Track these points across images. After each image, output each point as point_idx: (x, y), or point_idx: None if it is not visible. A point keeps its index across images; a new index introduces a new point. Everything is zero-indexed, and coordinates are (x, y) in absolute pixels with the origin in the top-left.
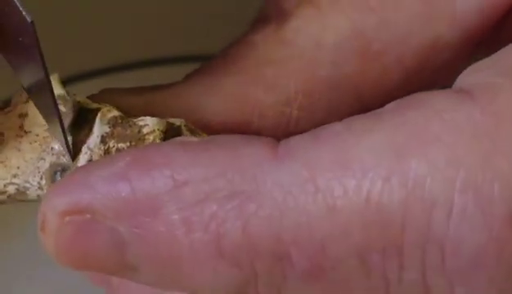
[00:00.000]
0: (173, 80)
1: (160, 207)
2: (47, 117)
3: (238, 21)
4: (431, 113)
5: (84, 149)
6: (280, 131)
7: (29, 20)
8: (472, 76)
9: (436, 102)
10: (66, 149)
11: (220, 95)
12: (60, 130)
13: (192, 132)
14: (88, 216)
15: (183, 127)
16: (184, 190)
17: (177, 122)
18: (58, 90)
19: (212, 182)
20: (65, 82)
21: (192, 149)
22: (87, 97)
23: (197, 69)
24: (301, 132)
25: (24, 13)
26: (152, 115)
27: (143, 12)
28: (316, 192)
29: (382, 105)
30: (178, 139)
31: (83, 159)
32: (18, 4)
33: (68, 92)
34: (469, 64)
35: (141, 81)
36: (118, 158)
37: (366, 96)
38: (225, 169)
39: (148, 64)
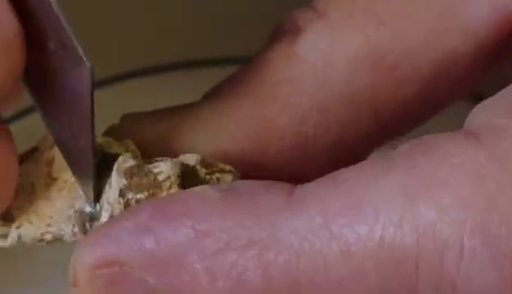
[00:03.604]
0: (209, 82)
1: (183, 257)
2: (75, 168)
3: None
4: (440, 158)
5: (105, 204)
6: (298, 151)
7: (88, 65)
8: (479, 116)
9: (445, 146)
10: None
11: (237, 119)
12: (90, 186)
13: (209, 167)
14: (117, 268)
15: (198, 166)
16: (205, 240)
17: (192, 160)
18: None
19: (231, 231)
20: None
21: (211, 199)
22: (109, 129)
23: (212, 90)
24: (320, 151)
25: (84, 59)
26: (173, 146)
27: (177, 14)
28: (330, 238)
29: (396, 119)
30: (196, 189)
31: (105, 214)
32: (78, 49)
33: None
34: (484, 76)
35: (176, 83)
36: (140, 211)
37: (380, 110)
38: (243, 218)
39: (183, 66)
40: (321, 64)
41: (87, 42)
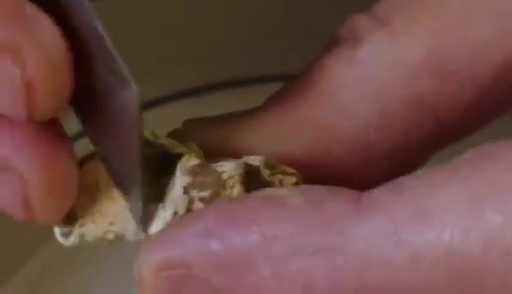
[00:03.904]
0: (257, 100)
1: (250, 262)
2: (123, 189)
3: (317, 40)
4: (505, 166)
5: (169, 201)
6: (359, 155)
7: (135, 91)
8: None
9: (509, 155)
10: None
11: (299, 125)
12: (139, 207)
13: (272, 169)
14: (183, 270)
15: (262, 167)
16: (272, 246)
17: (256, 161)
18: (145, 133)
19: (299, 237)
20: (153, 103)
21: (278, 204)
22: (171, 132)
23: (273, 97)
24: (381, 155)
25: (131, 83)
26: (234, 149)
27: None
28: (399, 243)
29: (457, 123)
30: (262, 193)
31: (169, 212)
32: (125, 72)
33: (154, 134)
34: None
35: (228, 101)
36: (206, 214)
37: (441, 114)
38: (311, 224)
39: (235, 85)
40: (383, 70)
41: (135, 64)
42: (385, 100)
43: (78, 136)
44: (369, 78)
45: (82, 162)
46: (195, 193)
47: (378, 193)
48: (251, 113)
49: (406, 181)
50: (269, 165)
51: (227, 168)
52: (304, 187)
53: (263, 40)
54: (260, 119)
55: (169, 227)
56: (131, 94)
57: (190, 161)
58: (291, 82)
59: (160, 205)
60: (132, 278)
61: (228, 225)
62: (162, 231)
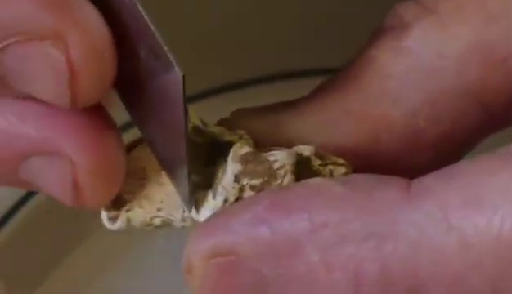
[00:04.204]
0: (299, 93)
1: (300, 249)
2: (170, 173)
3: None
4: None
5: (220, 188)
6: (407, 144)
7: (180, 75)
8: None
9: None
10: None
11: (347, 114)
12: (186, 192)
13: (322, 159)
14: (232, 257)
15: (313, 157)
16: (322, 233)
17: (307, 151)
18: (194, 120)
19: (349, 224)
20: (201, 96)
21: (328, 192)
22: (219, 121)
23: (319, 87)
24: (428, 144)
25: (176, 67)
26: (282, 138)
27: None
28: (449, 230)
29: (505, 111)
30: (313, 181)
31: (219, 199)
32: (170, 56)
33: (203, 122)
34: None
35: (274, 94)
36: (256, 202)
37: (489, 103)
38: (361, 211)
39: (279, 78)
40: (431, 58)
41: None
42: (434, 89)
43: (126, 126)
44: (417, 67)
45: (129, 148)
46: (245, 181)
47: (428, 180)
48: (299, 102)
49: (456, 169)
50: (319, 155)
51: (279, 157)
52: (354, 176)
53: (305, 35)
54: (309, 108)
55: (219, 214)
56: (175, 77)
57: (242, 149)
58: (339, 73)
59: (210, 192)
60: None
61: (278, 213)
62: (211, 218)
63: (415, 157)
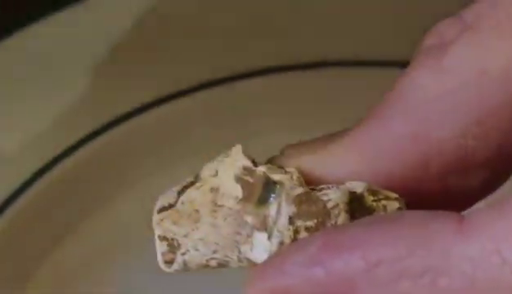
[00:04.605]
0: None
1: (354, 288)
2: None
3: None
4: None
5: (275, 232)
6: (458, 166)
7: None
8: None
9: None
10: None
11: (395, 140)
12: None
13: (375, 194)
14: None
15: (366, 193)
16: (376, 270)
17: (359, 188)
18: (243, 161)
19: (403, 260)
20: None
21: (381, 229)
22: (269, 159)
23: (366, 114)
24: (479, 164)
25: None
26: (333, 173)
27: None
28: (503, 264)
29: None
30: (365, 220)
31: (274, 241)
32: None
33: (253, 161)
34: None
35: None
36: (309, 243)
37: None
38: (415, 247)
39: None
40: (474, 76)
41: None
42: (479, 108)
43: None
44: (461, 86)
45: (182, 190)
46: (300, 223)
47: (479, 212)
48: (346, 134)
49: (507, 200)
50: (372, 191)
51: (332, 197)
52: (406, 211)
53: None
54: (356, 140)
55: (274, 257)
56: None
57: (295, 189)
58: (382, 99)
59: (265, 234)
60: None
61: (331, 253)
62: (267, 260)
63: (465, 180)
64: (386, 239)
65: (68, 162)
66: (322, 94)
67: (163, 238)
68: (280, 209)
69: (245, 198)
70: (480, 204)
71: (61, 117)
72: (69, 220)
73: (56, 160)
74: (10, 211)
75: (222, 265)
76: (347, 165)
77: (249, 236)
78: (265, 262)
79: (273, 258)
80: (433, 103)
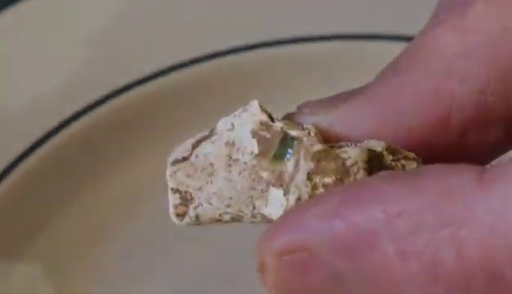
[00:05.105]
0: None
1: (374, 241)
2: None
3: None
4: None
5: (292, 187)
6: (477, 122)
7: None
8: None
9: None
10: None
11: (415, 96)
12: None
13: (394, 154)
14: (305, 254)
15: (385, 152)
16: (396, 223)
17: (379, 147)
18: (260, 115)
19: (423, 213)
20: None
21: (401, 182)
22: (286, 115)
23: (382, 72)
24: (496, 119)
25: None
26: (352, 130)
27: None
28: None
29: None
30: (385, 173)
31: (292, 198)
32: None
33: (270, 116)
34: None
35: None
36: (329, 197)
37: None
38: (435, 199)
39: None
40: (496, 33)
41: None
42: (500, 64)
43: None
44: (482, 43)
45: (197, 143)
46: (318, 180)
47: (500, 165)
48: (365, 90)
49: None
50: (391, 150)
51: (351, 154)
52: (426, 166)
53: None
54: (376, 95)
55: (291, 211)
56: None
57: (313, 146)
58: (401, 55)
59: (281, 190)
60: None
61: (351, 206)
62: (285, 214)
63: (484, 136)
64: (406, 192)
65: (76, 126)
66: None
67: (176, 191)
68: (298, 165)
69: (261, 153)
70: (500, 158)
71: (66, 82)
72: (73, 188)
73: (61, 125)
74: (12, 176)
75: (236, 219)
76: (366, 122)
77: (264, 191)
78: (283, 216)
79: (291, 212)
80: (456, 59)
